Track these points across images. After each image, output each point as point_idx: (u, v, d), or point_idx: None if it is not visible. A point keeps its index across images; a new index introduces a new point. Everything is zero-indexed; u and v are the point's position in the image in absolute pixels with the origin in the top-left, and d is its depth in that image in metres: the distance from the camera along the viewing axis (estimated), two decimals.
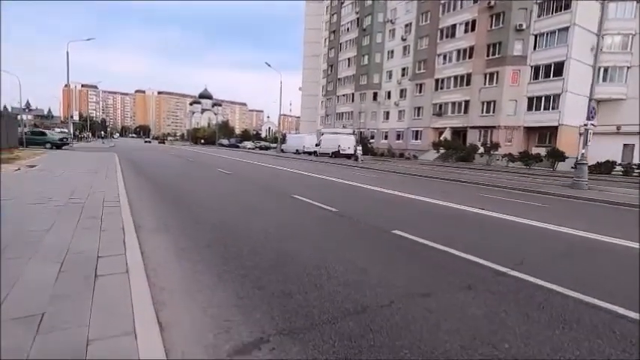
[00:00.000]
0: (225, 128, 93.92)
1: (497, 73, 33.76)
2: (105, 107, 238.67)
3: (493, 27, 34.27)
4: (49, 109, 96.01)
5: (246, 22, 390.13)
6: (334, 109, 57.94)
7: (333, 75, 58.38)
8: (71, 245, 3.82)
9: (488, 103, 34.62)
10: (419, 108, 43.02)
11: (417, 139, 43.36)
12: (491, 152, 30.28)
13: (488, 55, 34.65)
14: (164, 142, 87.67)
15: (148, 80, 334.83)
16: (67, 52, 33.16)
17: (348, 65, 54.68)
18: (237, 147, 62.57)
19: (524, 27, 32.03)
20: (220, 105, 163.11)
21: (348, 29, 54.91)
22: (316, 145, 38.19)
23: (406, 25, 44.98)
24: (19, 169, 10.49)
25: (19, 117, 40.12)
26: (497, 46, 33.76)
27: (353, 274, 3.61)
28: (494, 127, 33.97)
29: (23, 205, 5.84)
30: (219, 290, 3.13)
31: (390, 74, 47.83)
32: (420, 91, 42.76)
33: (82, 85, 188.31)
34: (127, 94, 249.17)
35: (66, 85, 64.67)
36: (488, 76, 34.75)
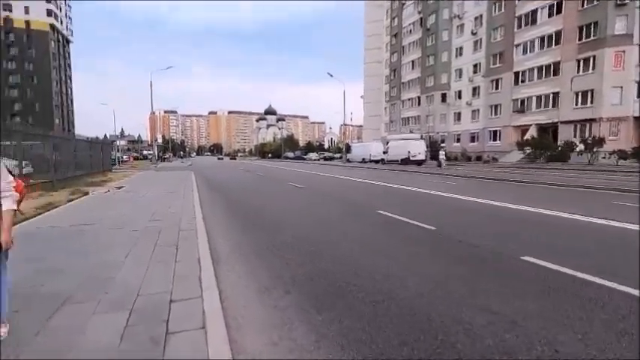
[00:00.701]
0: (290, 141, 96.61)
1: (594, 57, 29.12)
2: (183, 129, 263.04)
3: (586, 5, 29.82)
4: (139, 135, 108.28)
5: (304, 37, 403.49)
6: (399, 114, 55.83)
7: (396, 80, 56.48)
8: (143, 284, 3.26)
9: (584, 93, 29.97)
10: (496, 106, 39.17)
11: (495, 139, 39.41)
12: (595, 149, 25.79)
13: (580, 39, 30.16)
14: (235, 158, 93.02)
15: (220, 101, 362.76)
16: (151, 82, 36.62)
17: (412, 68, 52.42)
18: (303, 159, 63.51)
19: (626, 1, 27.28)
20: (284, 120, 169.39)
21: (410, 31, 52.84)
22: (384, 153, 36.70)
23: (476, 18, 41.66)
24: (108, 191, 11.06)
25: (114, 143, 45.40)
26: (593, 26, 29.21)
27: (500, 328, 2.45)
28: (593, 119, 29.21)
29: (105, 230, 5.68)
30: (322, 350, 2.22)
31: (459, 73, 44.59)
32: (497, 88, 38.95)
33: (165, 112, 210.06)
34: (201, 115, 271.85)
35: (152, 113, 72.07)
36: (582, 63, 30.19)
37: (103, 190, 11.17)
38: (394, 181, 15.21)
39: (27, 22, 72.51)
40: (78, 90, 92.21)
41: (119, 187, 12.07)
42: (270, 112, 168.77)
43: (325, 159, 61.44)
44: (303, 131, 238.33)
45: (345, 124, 53.25)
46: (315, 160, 59.20)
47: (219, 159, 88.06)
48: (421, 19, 50.03)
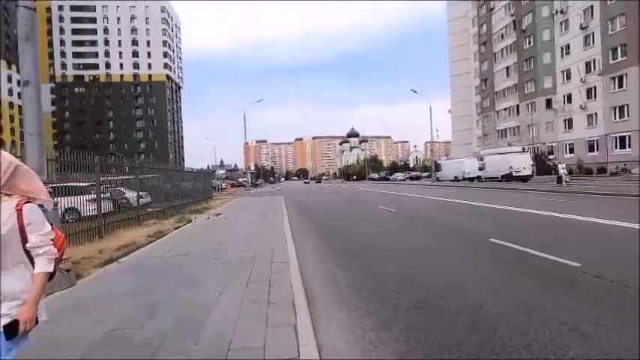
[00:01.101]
0: (374, 162, 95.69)
1: None
2: (272, 156, 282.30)
3: None
4: (235, 164, 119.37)
5: (382, 61, 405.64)
6: (494, 126, 50.93)
7: (488, 89, 52.04)
8: (235, 334, 2.88)
9: None
10: (621, 107, 32.88)
11: (622, 147, 32.85)
12: None
13: None
14: (320, 182, 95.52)
15: (305, 127, 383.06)
16: (244, 116, 39.99)
17: (507, 75, 47.77)
18: (388, 179, 61.86)
19: None
20: (367, 141, 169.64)
21: (502, 36, 48.61)
22: (479, 170, 33.37)
23: (584, 11, 36.30)
24: (208, 218, 11.76)
25: (215, 172, 50.40)
26: None
27: None
28: None
29: (203, 261, 5.69)
30: None
31: (567, 74, 38.98)
32: (620, 85, 32.80)
33: (257, 141, 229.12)
34: (288, 143, 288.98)
35: (245, 143, 78.60)
36: None
37: (204, 218, 11.94)
38: (501, 202, 13.26)
39: (149, 76, 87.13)
40: (186, 127, 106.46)
41: (218, 214, 12.80)
42: (352, 134, 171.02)
43: (412, 179, 58.85)
44: (386, 151, 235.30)
45: (432, 142, 50.45)
46: (401, 180, 57.11)
47: (305, 183, 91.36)
48: (514, 21, 45.71)
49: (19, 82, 71.58)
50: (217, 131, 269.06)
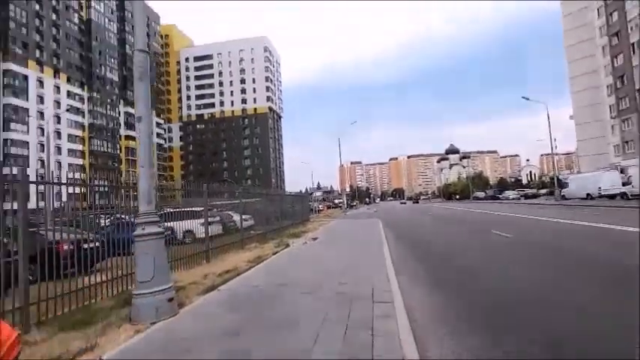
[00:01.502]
0: (479, 180, 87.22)
1: None
2: (367, 177, 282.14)
3: None
4: (331, 186, 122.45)
5: (476, 73, 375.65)
6: (638, 131, 41.45)
7: (627, 87, 43.06)
8: None
9: None
10: None
11: None
12: None
13: None
14: (418, 202, 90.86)
15: (399, 146, 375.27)
16: (339, 140, 40.68)
17: None
18: (497, 198, 55.24)
19: None
20: (468, 157, 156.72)
21: None
22: (624, 185, 27.11)
23: None
24: (305, 242, 11.64)
25: (312, 195, 52.08)
26: None
27: None
28: None
29: (297, 294, 5.29)
30: None
31: None
32: None
33: (351, 163, 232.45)
34: (383, 163, 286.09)
35: (340, 165, 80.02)
36: None
37: (301, 242, 11.87)
38: None
39: (255, 109, 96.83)
40: (286, 153, 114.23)
41: (314, 239, 12.64)
42: (451, 151, 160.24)
43: (527, 197, 51.43)
44: (491, 167, 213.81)
45: (552, 154, 43.12)
46: (513, 199, 50.34)
47: (401, 203, 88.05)
48: None
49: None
50: (314, 154, 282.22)
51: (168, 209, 8.98)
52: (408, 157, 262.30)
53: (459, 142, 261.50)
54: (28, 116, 57.30)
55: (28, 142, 57.21)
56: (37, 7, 60.48)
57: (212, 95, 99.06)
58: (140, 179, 4.58)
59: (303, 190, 50.40)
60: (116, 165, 73.40)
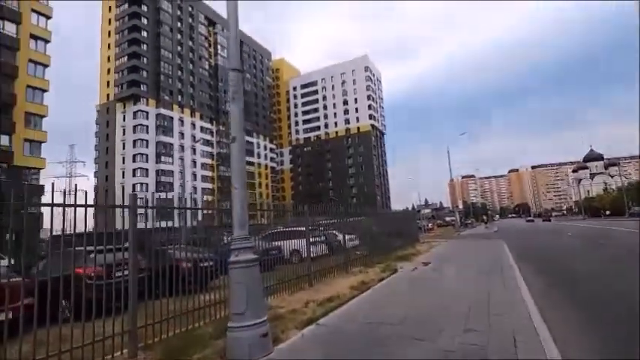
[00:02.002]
0: (637, 191, 69.67)
1: None
2: (482, 192, 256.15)
3: None
4: (440, 203, 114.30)
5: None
6: None
7: None
8: None
9: None
10: None
11: None
12: None
13: None
14: (549, 219, 77.22)
15: (519, 156, 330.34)
16: (448, 152, 37.51)
17: None
18: None
19: None
20: (617, 164, 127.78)
21: None
22: None
23: None
24: (415, 268, 10.35)
25: (420, 212, 49.05)
26: None
27: None
28: None
29: (408, 339, 4.28)
30: None
31: None
32: None
33: (462, 177, 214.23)
34: (501, 176, 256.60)
35: (450, 180, 74.19)
36: None
37: (410, 267, 10.62)
38: None
39: (358, 128, 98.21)
40: (390, 170, 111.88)
41: (426, 264, 11.21)
42: (592, 158, 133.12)
43: None
44: None
45: None
46: None
47: (528, 221, 76.23)
48: None
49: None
50: (419, 170, 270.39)
51: (278, 228, 8.98)
52: (533, 167, 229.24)
53: (600, 147, 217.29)
54: (172, 150, 69.47)
55: (172, 171, 69.02)
56: (179, 60, 73.91)
57: (317, 119, 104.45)
58: (234, 201, 4.36)
59: (410, 208, 47.76)
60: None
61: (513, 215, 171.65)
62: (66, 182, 66.05)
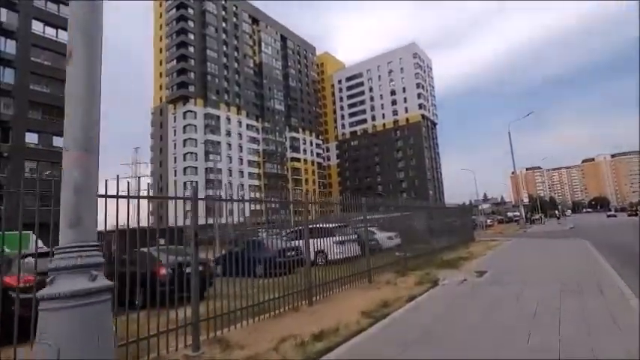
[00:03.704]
0: None
1: None
2: (550, 185, 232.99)
3: None
4: (502, 197, 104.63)
5: None
6: None
7: None
8: None
9: None
10: None
11: None
12: None
13: None
14: (636, 214, 66.15)
15: (594, 145, 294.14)
16: (509, 133, 32.62)
17: None
18: None
19: None
20: None
21: None
22: None
23: None
24: (464, 280, 7.53)
25: (478, 207, 44.12)
26: None
27: None
28: None
29: None
30: None
31: None
32: None
33: (527, 169, 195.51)
34: (572, 167, 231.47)
35: (512, 173, 66.97)
36: None
37: (458, 278, 7.82)
38: None
39: (407, 119, 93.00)
40: (444, 162, 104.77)
41: (480, 273, 8.32)
42: None
43: None
44: None
45: None
46: None
47: (609, 216, 66.12)
48: None
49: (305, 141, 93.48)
50: (476, 163, 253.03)
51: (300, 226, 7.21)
52: (612, 155, 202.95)
53: None
54: (220, 148, 70.88)
55: (221, 169, 70.41)
56: (225, 60, 75.15)
57: (363, 111, 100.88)
58: (63, 178, 2.26)
59: (467, 203, 42.88)
60: (284, 184, 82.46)
61: (589, 210, 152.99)
62: (134, 182, 70.74)
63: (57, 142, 34.62)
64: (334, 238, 8.02)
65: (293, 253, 6.89)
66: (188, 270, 4.46)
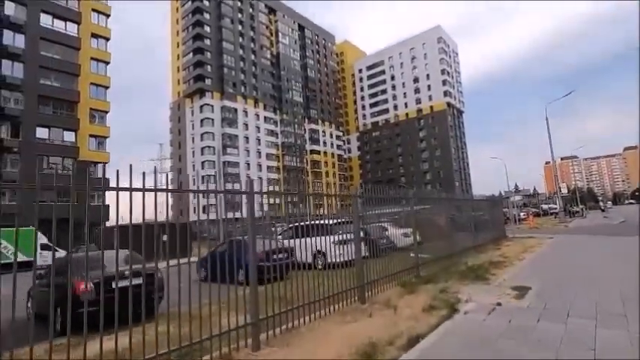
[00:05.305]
0: None
1: None
2: (589, 175, 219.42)
3: None
4: (534, 188, 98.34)
5: None
6: None
7: None
8: None
9: None
10: None
11: None
12: None
13: None
14: None
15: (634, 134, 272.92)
16: (547, 119, 29.08)
17: None
18: None
19: None
20: None
21: None
22: None
23: None
24: (498, 305, 5.13)
25: (509, 199, 40.44)
26: None
27: None
28: None
29: None
30: None
31: None
32: None
33: (561, 159, 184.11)
34: (612, 155, 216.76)
35: (546, 162, 61.73)
36: None
37: (487, 301, 5.43)
38: None
39: (431, 107, 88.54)
40: (472, 152, 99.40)
41: (519, 292, 5.86)
42: None
43: None
44: None
45: None
46: None
47: None
48: None
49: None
50: (507, 152, 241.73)
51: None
52: None
53: None
54: (237, 141, 69.86)
55: (238, 162, 69.49)
56: (241, 51, 73.76)
57: (385, 101, 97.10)
58: None
59: (497, 195, 39.27)
60: (303, 177, 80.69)
61: (632, 202, 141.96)
62: (159, 177, 71.27)
63: (67, 137, 34.21)
64: (333, 237, 6.18)
65: (283, 255, 5.47)
66: (123, 284, 3.65)
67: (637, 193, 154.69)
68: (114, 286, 3.37)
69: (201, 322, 3.74)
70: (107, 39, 39.33)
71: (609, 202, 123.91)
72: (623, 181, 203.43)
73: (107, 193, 3.90)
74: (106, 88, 38.47)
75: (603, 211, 50.55)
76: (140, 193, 3.41)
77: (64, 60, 34.30)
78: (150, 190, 3.50)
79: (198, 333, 3.72)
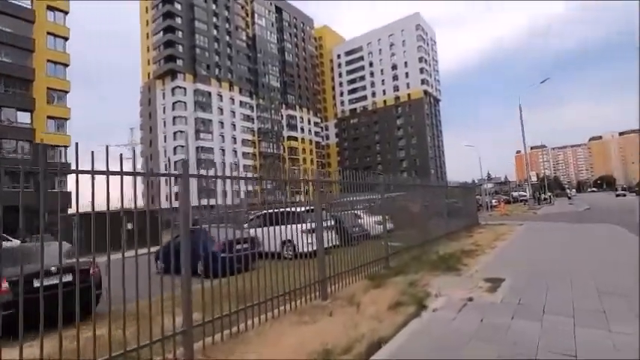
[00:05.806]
0: None
1: None
2: (555, 164, 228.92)
3: None
4: (505, 176, 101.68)
5: None
6: None
7: None
8: None
9: None
10: None
11: None
12: None
13: None
14: None
15: (597, 123, 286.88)
16: (520, 108, 29.38)
17: None
18: None
19: None
20: None
21: None
22: None
23: None
24: (469, 300, 4.70)
25: (482, 187, 41.20)
26: None
27: None
28: None
29: None
30: None
31: None
32: None
33: (531, 148, 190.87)
34: (578, 145, 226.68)
35: (517, 152, 63.40)
36: None
37: (457, 295, 5.01)
38: None
39: (408, 95, 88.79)
40: (447, 141, 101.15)
41: (492, 284, 5.49)
42: None
43: None
44: None
45: None
46: None
47: (618, 195, 63.29)
48: None
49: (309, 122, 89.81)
50: (480, 142, 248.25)
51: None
52: (620, 133, 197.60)
53: None
54: (211, 126, 67.59)
55: (212, 148, 67.40)
56: (215, 32, 70.71)
57: (364, 88, 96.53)
58: None
59: (470, 182, 39.85)
60: (280, 164, 79.48)
61: (594, 190, 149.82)
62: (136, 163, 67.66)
63: (22, 118, 31.71)
64: (303, 225, 5.95)
65: (245, 246, 4.91)
66: (44, 283, 2.97)
67: (599, 182, 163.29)
68: (36, 284, 2.92)
69: (139, 328, 3.19)
70: (66, 12, 36.34)
71: (574, 190, 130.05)
72: (586, 170, 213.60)
73: (70, 179, 3.19)
74: (66, 65, 35.74)
75: (570, 198, 52.64)
76: (104, 178, 3.15)
77: (17, 34, 31.43)
78: (115, 173, 3.24)
79: (133, 339, 3.21)
